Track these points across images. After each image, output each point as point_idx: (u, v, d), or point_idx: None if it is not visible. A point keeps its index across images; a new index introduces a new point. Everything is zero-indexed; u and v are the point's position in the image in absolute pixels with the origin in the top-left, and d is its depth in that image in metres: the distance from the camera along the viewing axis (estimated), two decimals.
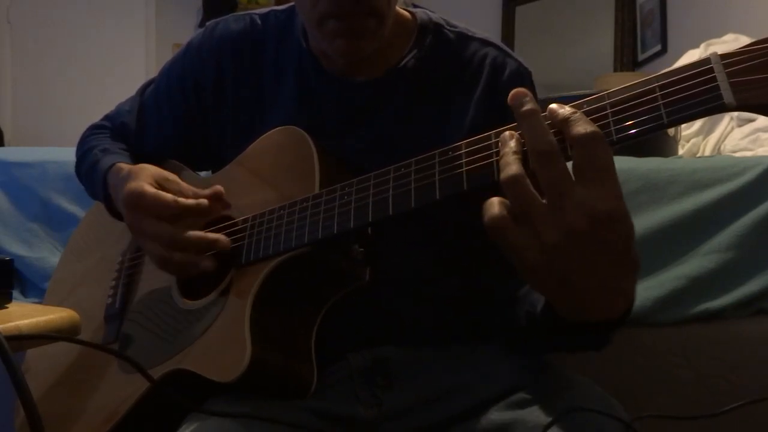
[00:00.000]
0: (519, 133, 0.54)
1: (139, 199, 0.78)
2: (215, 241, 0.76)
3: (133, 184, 0.79)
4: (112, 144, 0.95)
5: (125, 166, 0.86)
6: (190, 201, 0.78)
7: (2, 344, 0.47)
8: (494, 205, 0.53)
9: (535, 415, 0.68)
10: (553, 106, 0.53)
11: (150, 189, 0.78)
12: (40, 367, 0.93)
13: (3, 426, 1.13)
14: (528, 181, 0.51)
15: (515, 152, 0.53)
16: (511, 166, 0.52)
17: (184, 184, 0.82)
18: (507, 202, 0.53)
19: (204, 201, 0.79)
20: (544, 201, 0.51)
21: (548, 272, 0.53)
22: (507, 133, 0.55)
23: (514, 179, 0.51)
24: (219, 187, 0.80)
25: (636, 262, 0.54)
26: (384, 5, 0.76)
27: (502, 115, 0.68)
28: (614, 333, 0.65)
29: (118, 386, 0.80)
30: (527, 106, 0.52)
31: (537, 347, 0.78)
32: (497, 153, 0.55)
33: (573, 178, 0.50)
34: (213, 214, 0.80)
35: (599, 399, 0.69)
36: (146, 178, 0.81)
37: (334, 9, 0.73)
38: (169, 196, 0.78)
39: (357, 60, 0.80)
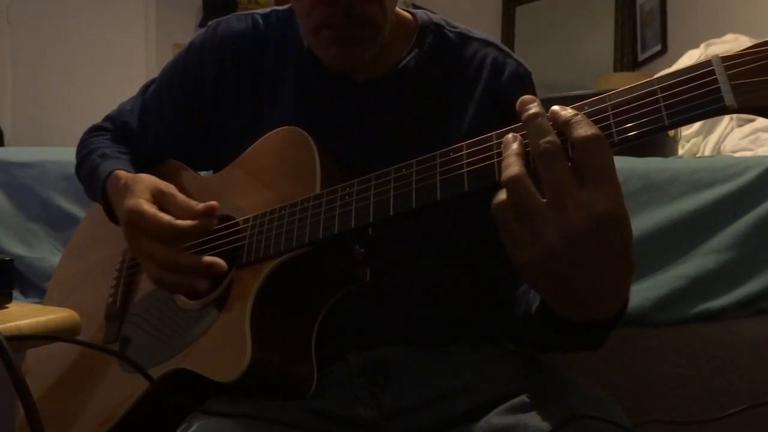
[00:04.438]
0: (522, 134, 0.54)
1: (138, 219, 0.78)
2: (210, 266, 0.75)
3: (131, 202, 0.79)
4: (111, 148, 0.95)
5: (123, 175, 0.86)
6: (186, 223, 0.77)
7: (2, 344, 0.47)
8: (501, 193, 0.53)
9: (537, 420, 0.67)
10: (555, 108, 0.53)
11: (149, 209, 0.78)
12: (40, 367, 0.93)
13: (3, 426, 1.13)
14: (529, 181, 0.52)
15: (517, 153, 0.53)
16: (513, 167, 0.52)
17: (179, 198, 0.81)
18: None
19: (198, 223, 0.78)
20: (544, 200, 0.51)
21: (545, 271, 0.53)
22: (510, 135, 0.55)
23: (514, 179, 0.52)
24: (214, 204, 0.79)
25: (632, 264, 0.54)
26: (379, 14, 0.76)
27: (502, 115, 0.69)
28: (610, 334, 0.65)
29: (118, 386, 0.80)
30: (533, 110, 0.53)
31: (532, 347, 0.78)
32: (498, 154, 0.55)
33: (574, 178, 0.51)
34: (209, 230, 0.79)
35: (600, 404, 0.69)
36: (143, 192, 0.80)
37: (327, 19, 0.74)
38: (165, 218, 0.77)
39: (354, 65, 0.80)
